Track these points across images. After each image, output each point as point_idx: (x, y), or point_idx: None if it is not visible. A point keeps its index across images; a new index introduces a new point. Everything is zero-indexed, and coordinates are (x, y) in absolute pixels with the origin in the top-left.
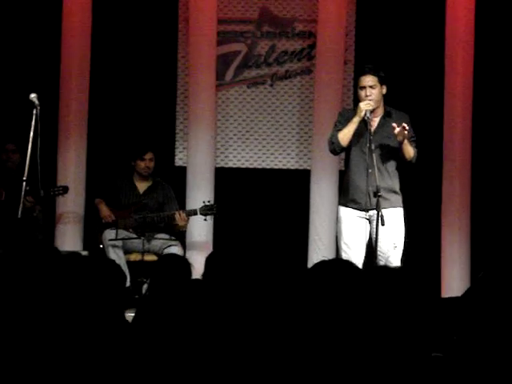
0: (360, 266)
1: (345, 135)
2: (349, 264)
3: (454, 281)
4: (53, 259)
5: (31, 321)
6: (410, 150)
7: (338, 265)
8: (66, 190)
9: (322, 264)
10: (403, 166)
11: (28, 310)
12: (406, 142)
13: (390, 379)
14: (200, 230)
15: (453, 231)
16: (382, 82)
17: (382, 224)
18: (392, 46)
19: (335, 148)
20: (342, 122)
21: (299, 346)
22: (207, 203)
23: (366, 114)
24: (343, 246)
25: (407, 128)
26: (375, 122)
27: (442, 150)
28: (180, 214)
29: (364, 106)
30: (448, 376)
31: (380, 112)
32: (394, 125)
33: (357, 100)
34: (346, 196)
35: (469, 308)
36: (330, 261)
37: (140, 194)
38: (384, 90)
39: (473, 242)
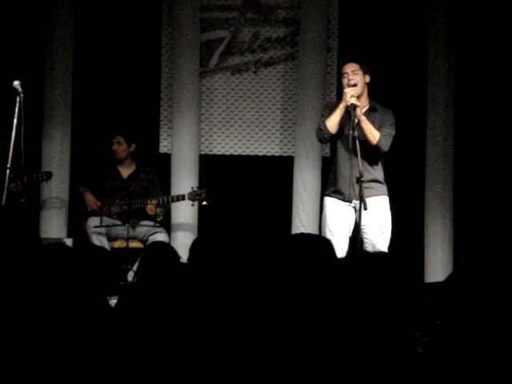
0: (344, 253)
1: (332, 121)
2: (327, 242)
3: (437, 266)
4: (35, 249)
5: (14, 308)
6: (372, 131)
7: (315, 240)
8: (49, 175)
9: (302, 239)
10: (384, 156)
11: (10, 298)
12: (363, 119)
13: (371, 362)
14: (185, 216)
15: (436, 217)
16: (364, 70)
17: (365, 208)
18: (375, 34)
19: (324, 135)
20: (329, 112)
21: (286, 329)
22: (196, 189)
23: (351, 103)
24: (327, 233)
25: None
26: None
27: (424, 137)
28: (150, 205)
29: (350, 91)
30: (431, 360)
31: (365, 104)
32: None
33: (340, 88)
34: (330, 187)
35: (451, 293)
36: (309, 236)
37: (124, 179)
38: (367, 79)
39: (455, 227)
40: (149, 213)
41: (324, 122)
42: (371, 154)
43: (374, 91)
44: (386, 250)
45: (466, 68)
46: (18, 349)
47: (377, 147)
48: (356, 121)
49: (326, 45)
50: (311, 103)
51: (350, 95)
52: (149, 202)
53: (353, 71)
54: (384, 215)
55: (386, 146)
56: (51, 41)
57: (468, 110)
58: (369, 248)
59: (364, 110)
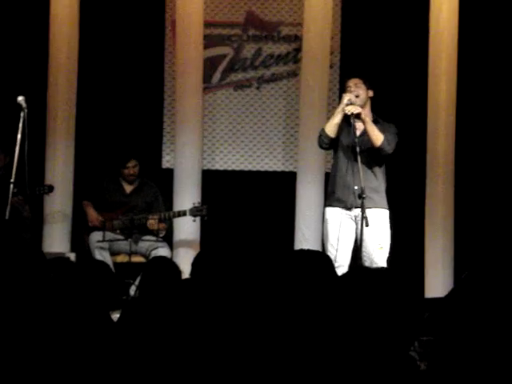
0: (346, 266)
1: (330, 125)
2: (325, 257)
3: (438, 281)
4: (38, 263)
5: (17, 322)
6: (376, 133)
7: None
8: (51, 189)
9: (301, 256)
10: (385, 162)
11: (13, 312)
12: (368, 121)
13: (371, 378)
14: (187, 231)
15: (436, 232)
16: (367, 85)
17: (366, 225)
18: (377, 50)
19: (323, 139)
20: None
21: (287, 344)
22: (197, 205)
23: (352, 112)
24: (329, 247)
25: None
26: (362, 126)
27: (425, 151)
28: (151, 220)
29: (347, 95)
30: (432, 377)
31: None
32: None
33: None
34: (331, 196)
35: (453, 308)
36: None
37: (127, 194)
38: (370, 94)
39: (456, 242)
40: (149, 228)
41: (323, 128)
42: (373, 166)
43: (376, 101)
44: (384, 264)
45: (468, 75)
46: (21, 362)
47: (380, 149)
48: (358, 133)
49: (329, 61)
50: (314, 119)
51: (348, 98)
52: (150, 217)
53: (355, 84)
54: (383, 229)
55: (388, 148)
56: (55, 56)
57: (470, 122)
58: (366, 262)
59: None
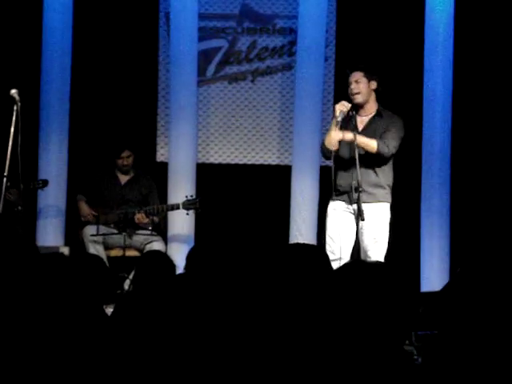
0: (346, 260)
1: (329, 139)
2: (320, 250)
3: (434, 275)
4: (31, 257)
5: (10, 317)
6: (368, 143)
7: (307, 250)
8: (45, 183)
9: (296, 249)
10: (394, 161)
11: (6, 307)
12: (357, 138)
13: (366, 373)
14: (181, 225)
15: (432, 226)
16: (368, 77)
17: (362, 219)
18: (372, 43)
19: (325, 153)
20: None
21: (282, 336)
22: (190, 197)
23: (340, 115)
24: (327, 240)
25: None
26: (365, 120)
27: (421, 144)
28: (138, 214)
29: (338, 107)
30: (428, 371)
31: (372, 111)
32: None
33: (338, 97)
34: (334, 190)
35: (448, 302)
36: (304, 245)
37: (122, 186)
38: (373, 86)
39: (452, 236)
40: (137, 223)
41: (323, 141)
42: (374, 160)
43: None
44: (379, 258)
45: (464, 69)
46: (15, 356)
47: (379, 154)
48: (360, 129)
49: (324, 54)
50: (309, 112)
51: (339, 111)
52: (137, 212)
53: (356, 80)
54: (380, 223)
55: (387, 151)
56: (48, 49)
57: (466, 117)
58: (362, 256)
59: (370, 117)
